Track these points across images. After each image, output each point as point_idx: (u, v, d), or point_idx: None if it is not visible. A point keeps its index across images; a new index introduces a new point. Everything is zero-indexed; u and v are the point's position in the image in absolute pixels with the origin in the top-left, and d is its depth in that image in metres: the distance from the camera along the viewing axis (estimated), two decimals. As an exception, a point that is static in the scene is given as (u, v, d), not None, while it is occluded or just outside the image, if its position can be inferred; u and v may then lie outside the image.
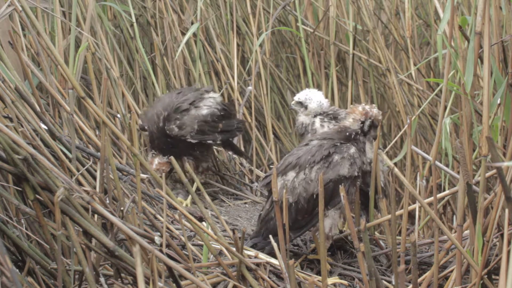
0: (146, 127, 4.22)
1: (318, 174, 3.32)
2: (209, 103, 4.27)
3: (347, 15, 4.99)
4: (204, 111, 4.23)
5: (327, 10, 5.02)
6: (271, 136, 4.90)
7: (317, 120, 3.94)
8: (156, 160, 4.19)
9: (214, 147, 4.63)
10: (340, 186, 3.25)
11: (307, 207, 3.35)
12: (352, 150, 3.39)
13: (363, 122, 3.45)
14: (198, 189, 4.25)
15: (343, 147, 3.39)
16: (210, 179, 4.79)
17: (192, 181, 4.15)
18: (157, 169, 4.17)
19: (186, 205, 4.21)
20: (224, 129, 4.31)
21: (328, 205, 3.33)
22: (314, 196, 3.33)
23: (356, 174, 3.37)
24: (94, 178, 3.40)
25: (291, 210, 3.33)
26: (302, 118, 3.99)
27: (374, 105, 3.53)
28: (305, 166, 3.36)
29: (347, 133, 3.43)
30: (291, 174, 3.39)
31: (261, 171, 4.88)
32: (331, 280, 3.38)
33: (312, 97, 3.98)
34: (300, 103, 4.00)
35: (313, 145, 3.43)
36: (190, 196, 4.22)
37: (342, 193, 2.95)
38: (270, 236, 3.25)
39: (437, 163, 3.30)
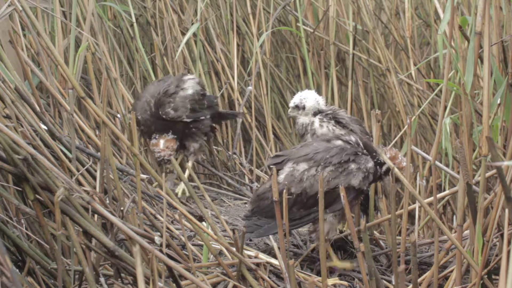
0: (139, 119, 4.23)
1: (330, 176, 3.30)
2: (191, 84, 4.36)
3: (347, 15, 4.99)
4: (190, 91, 4.32)
5: (327, 10, 5.02)
6: (271, 136, 4.90)
7: (316, 120, 3.92)
8: (162, 141, 4.19)
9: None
10: (340, 186, 3.25)
11: (305, 202, 3.34)
12: (370, 164, 3.34)
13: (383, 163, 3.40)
14: (197, 188, 4.26)
15: (362, 158, 3.34)
16: (210, 179, 4.79)
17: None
18: (166, 147, 4.17)
19: (177, 194, 4.25)
20: (208, 105, 4.41)
21: (328, 209, 3.30)
22: (318, 195, 3.31)
23: (365, 188, 3.35)
24: (94, 178, 3.40)
25: (289, 199, 3.30)
26: (302, 119, 3.97)
27: (406, 161, 3.40)
28: (320, 163, 3.33)
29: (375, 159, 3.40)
30: (302, 166, 3.35)
31: (261, 171, 4.88)
32: (331, 281, 3.38)
33: (307, 96, 3.97)
34: (296, 107, 3.98)
35: (334, 145, 3.38)
36: (182, 185, 4.25)
37: (342, 193, 2.95)
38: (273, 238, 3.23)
39: (437, 163, 3.31)
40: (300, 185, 3.33)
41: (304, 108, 3.95)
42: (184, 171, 4.34)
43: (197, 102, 4.32)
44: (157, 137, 4.22)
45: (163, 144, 4.18)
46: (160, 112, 4.20)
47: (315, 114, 3.95)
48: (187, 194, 4.22)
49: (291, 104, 4.01)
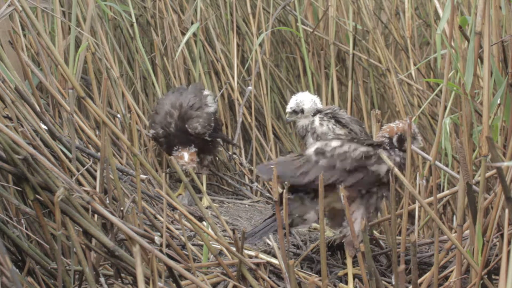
0: (160, 132, 4.20)
1: (362, 154, 3.29)
2: (211, 100, 4.32)
3: (347, 15, 4.99)
4: (211, 108, 4.28)
5: (327, 10, 5.01)
6: (271, 136, 4.90)
7: (316, 119, 3.92)
8: (186, 154, 4.15)
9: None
10: (340, 186, 3.25)
11: (333, 172, 3.30)
12: (398, 159, 3.37)
13: (390, 139, 3.40)
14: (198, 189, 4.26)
15: (392, 152, 3.38)
16: (210, 179, 4.79)
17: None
18: (190, 160, 4.13)
19: (179, 194, 4.26)
20: (221, 124, 4.43)
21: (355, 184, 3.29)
22: (347, 169, 3.27)
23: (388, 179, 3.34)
24: (94, 178, 3.40)
25: (319, 166, 3.27)
26: (302, 121, 3.97)
27: (401, 121, 3.46)
28: (354, 141, 3.32)
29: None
30: (335, 142, 3.34)
31: (261, 171, 4.87)
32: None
33: (303, 99, 3.97)
34: (294, 112, 3.98)
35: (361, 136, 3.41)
36: (182, 184, 4.23)
37: (342, 193, 2.96)
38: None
39: (437, 163, 3.31)
40: (330, 160, 3.29)
41: (302, 111, 3.95)
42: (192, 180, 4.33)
43: (216, 121, 4.31)
44: (179, 149, 4.17)
45: (187, 157, 4.13)
46: (186, 126, 4.16)
47: (314, 114, 3.95)
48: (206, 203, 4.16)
49: (288, 109, 4.01)
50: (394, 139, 3.40)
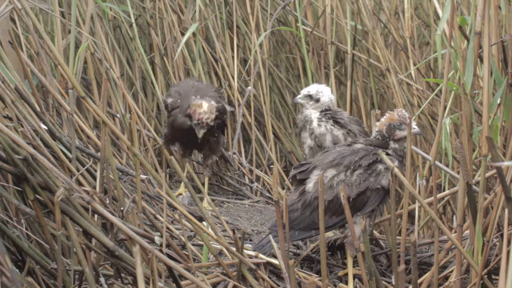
0: (178, 100, 4.13)
1: (360, 179, 3.29)
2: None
3: (345, 15, 4.99)
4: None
5: (324, 9, 5.01)
6: (271, 136, 4.90)
7: (315, 120, 3.92)
8: (205, 103, 4.02)
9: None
10: (340, 186, 3.25)
11: (338, 209, 3.30)
12: (396, 163, 3.35)
13: (380, 131, 3.41)
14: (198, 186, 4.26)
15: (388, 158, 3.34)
16: (210, 179, 4.79)
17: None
18: (210, 111, 4.02)
19: (179, 194, 4.25)
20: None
21: (359, 212, 3.30)
22: (350, 199, 3.26)
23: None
24: (94, 178, 3.40)
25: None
26: (308, 111, 3.95)
27: (388, 112, 3.47)
28: (350, 167, 3.31)
29: (385, 133, 3.40)
30: (331, 172, 3.33)
31: (261, 171, 4.88)
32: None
33: (324, 91, 3.95)
34: (310, 96, 3.94)
35: (358, 148, 3.38)
36: (182, 184, 4.22)
37: (342, 193, 2.96)
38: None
39: (437, 163, 3.31)
40: (330, 192, 3.30)
41: (318, 101, 3.93)
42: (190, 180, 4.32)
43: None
44: (198, 97, 4.06)
45: (206, 106, 4.00)
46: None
47: (321, 111, 3.93)
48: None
49: (304, 92, 3.97)
50: (384, 130, 3.39)
